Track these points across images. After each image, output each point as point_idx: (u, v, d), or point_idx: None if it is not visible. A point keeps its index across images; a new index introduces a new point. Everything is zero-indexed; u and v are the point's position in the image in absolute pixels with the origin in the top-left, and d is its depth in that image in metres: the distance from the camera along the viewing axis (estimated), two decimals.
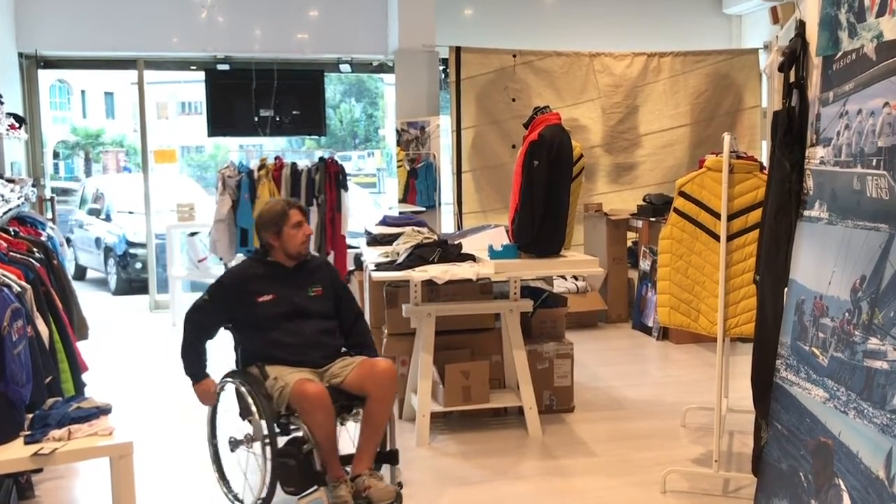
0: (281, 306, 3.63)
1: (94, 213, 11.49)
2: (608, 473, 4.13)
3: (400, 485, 3.62)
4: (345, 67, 8.86)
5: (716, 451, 3.81)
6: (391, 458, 3.67)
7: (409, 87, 7.92)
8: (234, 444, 3.66)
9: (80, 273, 11.61)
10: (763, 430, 3.19)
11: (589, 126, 8.16)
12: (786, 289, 3.10)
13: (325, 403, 3.40)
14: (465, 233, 5.52)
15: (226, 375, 3.72)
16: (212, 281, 3.83)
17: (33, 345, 3.44)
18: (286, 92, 8.41)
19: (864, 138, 2.66)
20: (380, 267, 4.58)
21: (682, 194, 3.96)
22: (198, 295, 3.79)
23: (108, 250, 10.76)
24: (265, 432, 3.42)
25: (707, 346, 6.46)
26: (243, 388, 3.56)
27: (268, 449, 3.41)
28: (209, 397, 3.66)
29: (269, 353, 3.60)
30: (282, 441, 3.51)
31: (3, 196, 4.78)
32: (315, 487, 3.42)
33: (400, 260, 4.55)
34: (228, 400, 3.76)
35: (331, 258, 6.68)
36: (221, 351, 3.88)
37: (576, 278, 7.46)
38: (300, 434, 3.49)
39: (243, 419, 3.69)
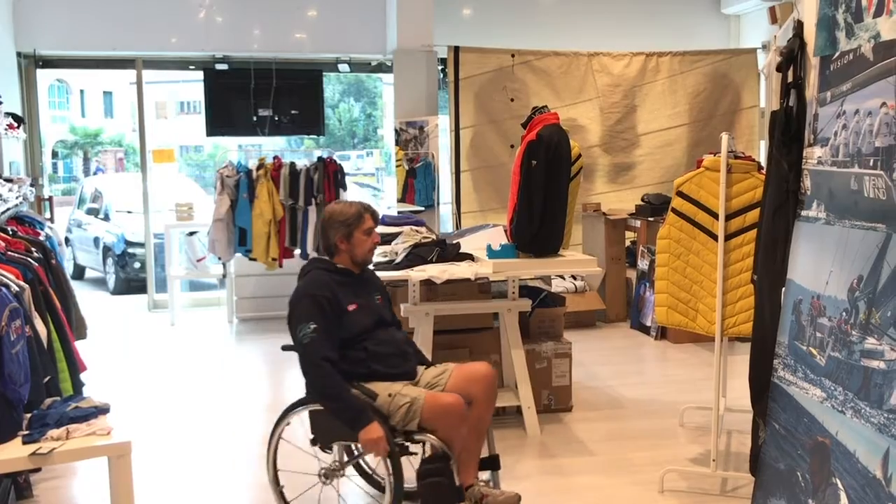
0: (368, 315, 3.38)
1: (93, 212, 11.50)
2: (606, 472, 4.13)
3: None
4: (343, 67, 8.85)
5: (714, 451, 3.81)
6: (494, 463, 3.52)
7: (408, 86, 7.92)
8: (328, 474, 3.37)
9: (79, 272, 11.63)
10: (761, 430, 3.19)
11: (587, 126, 8.16)
12: (783, 288, 3.10)
13: (466, 414, 3.23)
14: (464, 232, 5.52)
15: (297, 403, 3.36)
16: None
17: (31, 344, 3.43)
18: (285, 91, 8.42)
19: (861, 138, 2.66)
20: (378, 266, 4.57)
21: (680, 194, 3.97)
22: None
23: (106, 250, 10.76)
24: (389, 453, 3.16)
25: (705, 346, 6.46)
26: None
27: (392, 473, 3.15)
28: (383, 442, 3.11)
29: (366, 367, 3.29)
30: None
31: (1, 196, 4.77)
32: None
33: (398, 259, 4.55)
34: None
35: None
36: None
37: (574, 278, 7.47)
38: (418, 451, 3.31)
39: (325, 447, 3.39)
